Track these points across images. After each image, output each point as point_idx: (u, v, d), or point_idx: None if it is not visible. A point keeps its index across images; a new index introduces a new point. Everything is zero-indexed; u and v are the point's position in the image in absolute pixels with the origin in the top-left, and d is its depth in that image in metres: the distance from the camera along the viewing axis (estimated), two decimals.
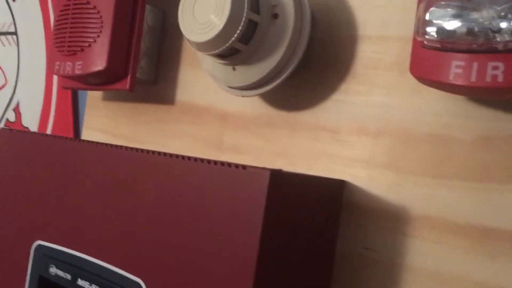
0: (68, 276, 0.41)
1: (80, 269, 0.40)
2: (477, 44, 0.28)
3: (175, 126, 0.53)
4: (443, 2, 0.29)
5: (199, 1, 0.37)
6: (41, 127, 0.74)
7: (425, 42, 0.30)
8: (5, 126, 0.81)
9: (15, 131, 0.49)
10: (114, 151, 0.39)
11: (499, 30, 0.27)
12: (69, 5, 0.50)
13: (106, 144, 0.40)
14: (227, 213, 0.32)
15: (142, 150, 0.37)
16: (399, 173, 0.37)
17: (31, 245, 0.45)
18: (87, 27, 0.48)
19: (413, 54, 0.31)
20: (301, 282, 0.36)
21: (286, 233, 0.34)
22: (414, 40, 0.31)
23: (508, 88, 0.27)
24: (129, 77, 0.49)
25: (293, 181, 0.34)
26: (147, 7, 0.51)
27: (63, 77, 0.52)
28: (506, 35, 0.27)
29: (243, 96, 0.41)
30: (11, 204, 0.48)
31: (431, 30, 0.29)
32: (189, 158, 0.35)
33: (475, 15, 0.28)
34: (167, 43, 0.54)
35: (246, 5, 0.36)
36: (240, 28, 0.36)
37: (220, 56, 0.39)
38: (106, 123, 0.59)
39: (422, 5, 0.30)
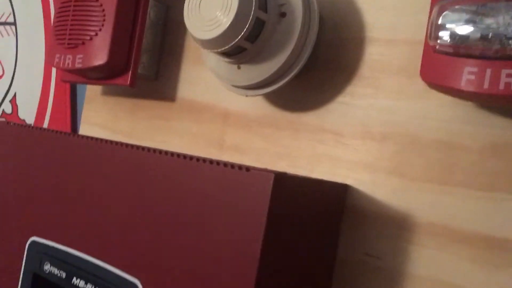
0: (63, 274, 0.40)
1: (75, 267, 0.39)
2: (491, 51, 0.27)
3: (175, 123, 0.52)
4: (457, 7, 0.28)
5: None
6: (38, 120, 0.73)
7: (437, 47, 0.29)
8: (0, 117, 0.79)
9: (13, 124, 0.48)
10: (114, 148, 0.38)
11: None
12: None
13: (107, 141, 0.39)
14: (229, 215, 0.32)
15: (143, 148, 0.37)
16: (403, 178, 0.37)
17: (26, 241, 0.44)
18: (89, 20, 0.47)
19: (424, 59, 0.31)
20: (302, 285, 0.36)
21: (288, 236, 0.33)
22: (426, 44, 0.31)
23: None
24: (130, 72, 0.48)
25: (296, 184, 0.33)
26: (150, 1, 0.50)
27: (63, 70, 0.51)
28: None
29: (246, 96, 0.41)
30: (6, 198, 0.47)
31: (444, 35, 0.28)
32: (191, 157, 0.34)
33: (490, 20, 0.27)
34: (169, 39, 0.53)
35: (254, 3, 0.35)
36: (247, 26, 0.35)
37: (225, 54, 0.38)
38: (105, 118, 0.58)
39: (435, 9, 0.29)
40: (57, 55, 0.49)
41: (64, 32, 0.48)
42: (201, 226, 0.32)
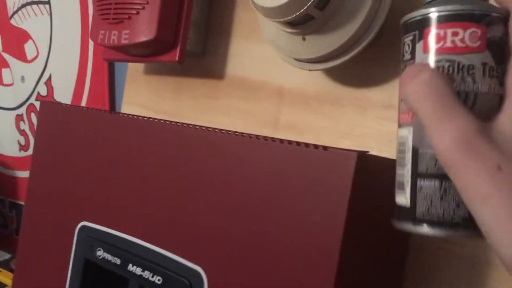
0: (118, 261, 0.38)
1: (131, 253, 0.37)
2: None
3: (224, 102, 0.49)
4: None
5: None
6: (75, 101, 0.71)
7: None
8: (36, 100, 0.78)
9: (58, 103, 0.46)
10: (179, 129, 0.36)
11: None
12: None
13: (169, 121, 0.37)
14: (306, 197, 0.29)
15: (209, 128, 0.34)
16: None
17: (75, 226, 0.42)
18: None
19: None
20: (378, 268, 0.33)
21: (367, 218, 0.30)
22: None
23: None
24: (178, 47, 0.45)
25: (378, 165, 0.31)
26: None
27: (107, 47, 0.49)
28: None
29: (309, 70, 0.38)
30: (54, 182, 0.45)
31: None
32: (257, 137, 0.31)
33: None
34: (216, 12, 0.50)
35: None
36: None
37: (290, 24, 0.35)
38: (148, 98, 0.56)
39: None
40: (101, 32, 0.47)
41: (108, 6, 0.46)
42: (274, 210, 0.30)
